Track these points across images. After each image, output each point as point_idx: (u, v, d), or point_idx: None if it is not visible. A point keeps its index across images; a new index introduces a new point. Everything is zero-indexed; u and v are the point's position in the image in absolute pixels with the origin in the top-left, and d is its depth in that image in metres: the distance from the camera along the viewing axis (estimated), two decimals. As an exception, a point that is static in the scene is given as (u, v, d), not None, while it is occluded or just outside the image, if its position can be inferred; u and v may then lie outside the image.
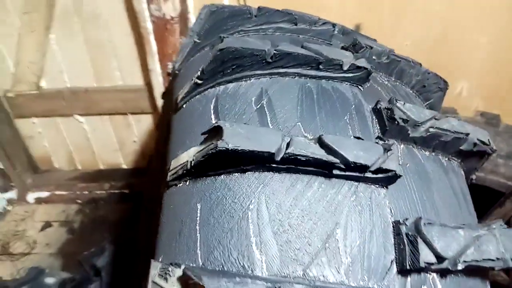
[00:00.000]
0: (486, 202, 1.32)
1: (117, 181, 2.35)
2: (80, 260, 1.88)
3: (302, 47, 0.69)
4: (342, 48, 0.81)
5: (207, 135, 0.57)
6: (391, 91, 0.76)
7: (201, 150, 0.56)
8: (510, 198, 0.95)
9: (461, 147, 0.69)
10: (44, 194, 2.32)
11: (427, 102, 0.87)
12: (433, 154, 0.68)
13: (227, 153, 0.53)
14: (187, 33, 0.93)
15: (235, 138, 0.53)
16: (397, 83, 0.81)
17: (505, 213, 0.93)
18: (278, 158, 0.55)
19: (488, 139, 0.71)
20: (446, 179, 0.67)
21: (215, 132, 0.55)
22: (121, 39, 1.86)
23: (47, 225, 2.22)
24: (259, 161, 0.55)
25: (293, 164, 0.56)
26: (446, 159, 0.70)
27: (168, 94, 1.05)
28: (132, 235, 2.06)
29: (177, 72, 0.83)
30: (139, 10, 1.64)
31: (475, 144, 0.68)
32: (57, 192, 2.30)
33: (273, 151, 0.54)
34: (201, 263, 0.53)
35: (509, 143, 1.67)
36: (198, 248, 0.55)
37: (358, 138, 0.60)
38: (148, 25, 1.69)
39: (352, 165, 0.55)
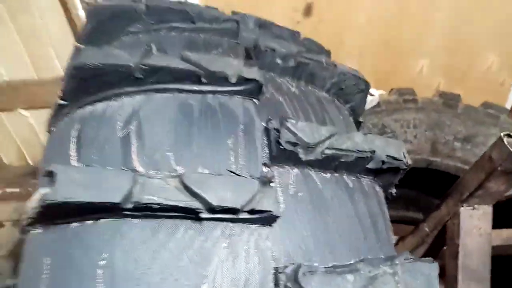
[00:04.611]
0: (444, 187, 1.26)
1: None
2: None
3: (181, 57, 0.59)
4: (246, 50, 0.71)
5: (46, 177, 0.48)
6: (298, 99, 0.67)
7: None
8: (445, 202, 0.88)
9: (367, 166, 0.61)
10: (-7, 192, 2.20)
11: (348, 105, 0.78)
12: (336, 175, 0.60)
13: (60, 206, 0.44)
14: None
15: (70, 187, 0.44)
16: (309, 88, 0.72)
17: (440, 217, 0.87)
18: (129, 206, 0.46)
19: (403, 153, 0.63)
20: (350, 203, 0.59)
21: (50, 177, 0.45)
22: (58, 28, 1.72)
23: (-1, 225, 2.13)
24: (108, 210, 0.46)
25: (150, 211, 0.47)
26: (354, 178, 0.62)
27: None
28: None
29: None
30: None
31: (383, 162, 0.60)
32: (8, 190, 2.19)
33: (117, 201, 0.45)
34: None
35: (467, 126, 1.60)
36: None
37: (232, 172, 0.51)
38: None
39: (218, 209, 0.47)
